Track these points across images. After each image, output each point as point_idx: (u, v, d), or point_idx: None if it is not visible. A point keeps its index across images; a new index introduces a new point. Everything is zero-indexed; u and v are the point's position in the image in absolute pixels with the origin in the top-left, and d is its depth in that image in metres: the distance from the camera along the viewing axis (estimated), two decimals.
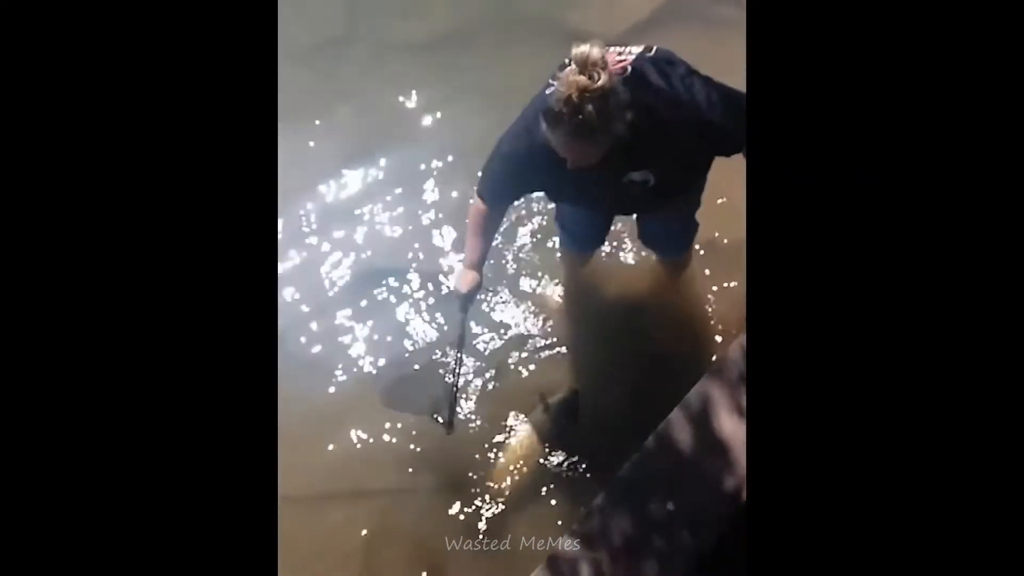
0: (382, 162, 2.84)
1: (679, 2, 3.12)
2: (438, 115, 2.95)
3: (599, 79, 1.45)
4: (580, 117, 1.46)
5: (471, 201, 1.91)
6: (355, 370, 2.42)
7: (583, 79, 1.45)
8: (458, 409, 2.11)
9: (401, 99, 3.00)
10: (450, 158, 2.82)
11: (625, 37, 2.98)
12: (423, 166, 2.81)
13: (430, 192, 2.76)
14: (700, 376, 1.89)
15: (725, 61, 2.67)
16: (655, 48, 1.65)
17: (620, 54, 1.62)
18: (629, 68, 1.58)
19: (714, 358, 2.28)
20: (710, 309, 2.42)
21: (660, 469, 1.75)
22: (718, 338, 2.37)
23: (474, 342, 2.42)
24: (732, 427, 1.78)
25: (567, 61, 1.49)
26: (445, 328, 2.45)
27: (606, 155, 1.57)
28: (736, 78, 2.63)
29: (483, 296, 2.38)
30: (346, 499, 2.23)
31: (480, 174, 1.86)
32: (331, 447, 2.29)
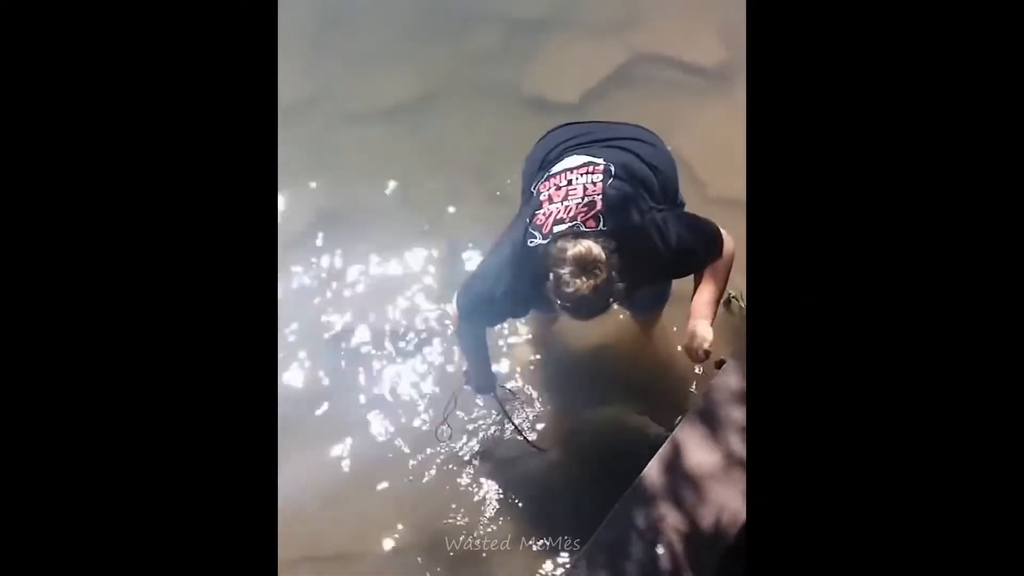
0: (350, 224, 2.87)
1: (631, 68, 3.26)
2: (403, 179, 3.00)
3: (602, 273, 1.62)
4: (586, 303, 1.66)
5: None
6: None
7: (590, 281, 1.62)
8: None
9: (366, 164, 3.05)
10: (419, 221, 2.86)
11: (581, 102, 3.11)
12: (391, 228, 2.85)
13: (395, 254, 2.78)
14: (674, 418, 1.92)
15: (677, 123, 2.80)
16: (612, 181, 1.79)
17: (587, 196, 1.75)
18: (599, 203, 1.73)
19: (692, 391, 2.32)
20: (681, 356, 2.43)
21: (642, 517, 1.75)
22: (693, 387, 2.40)
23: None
24: (709, 463, 1.79)
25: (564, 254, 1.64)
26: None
27: None
28: (688, 139, 2.77)
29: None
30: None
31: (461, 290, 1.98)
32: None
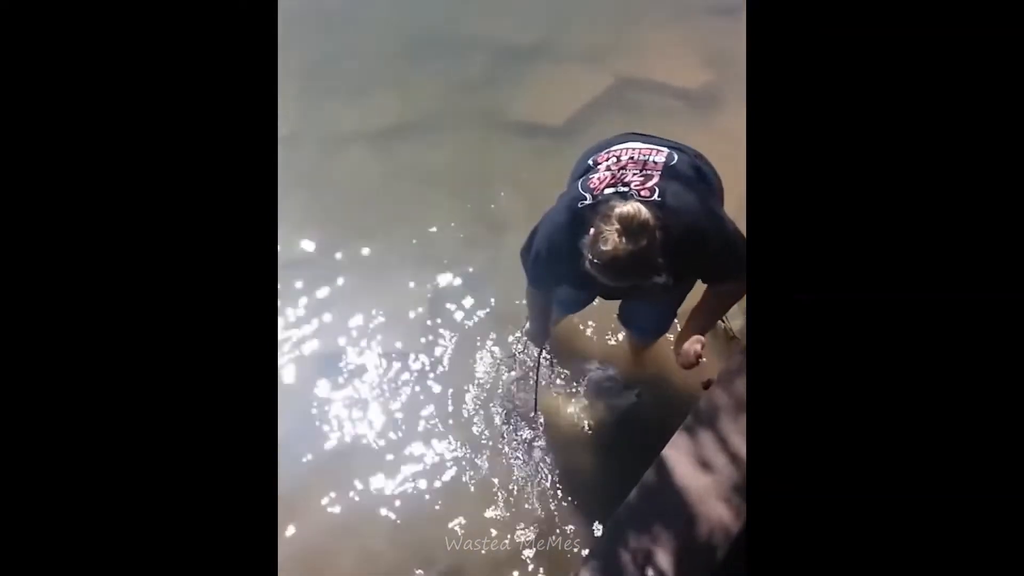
0: (338, 254, 2.89)
1: (616, 93, 3.32)
2: (391, 202, 3.03)
3: (644, 242, 1.54)
4: (622, 272, 1.58)
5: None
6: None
7: (630, 246, 1.53)
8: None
9: (355, 187, 3.08)
10: (407, 244, 2.89)
11: (566, 126, 3.16)
12: (379, 256, 2.87)
13: (382, 281, 2.80)
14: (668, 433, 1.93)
15: None
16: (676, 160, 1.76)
17: (646, 171, 1.71)
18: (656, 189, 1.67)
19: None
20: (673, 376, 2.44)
21: (632, 537, 1.76)
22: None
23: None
24: (698, 481, 1.80)
25: (611, 214, 1.56)
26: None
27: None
28: None
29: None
30: None
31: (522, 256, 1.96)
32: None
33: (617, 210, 1.56)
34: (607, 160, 1.79)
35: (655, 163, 1.74)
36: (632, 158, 1.76)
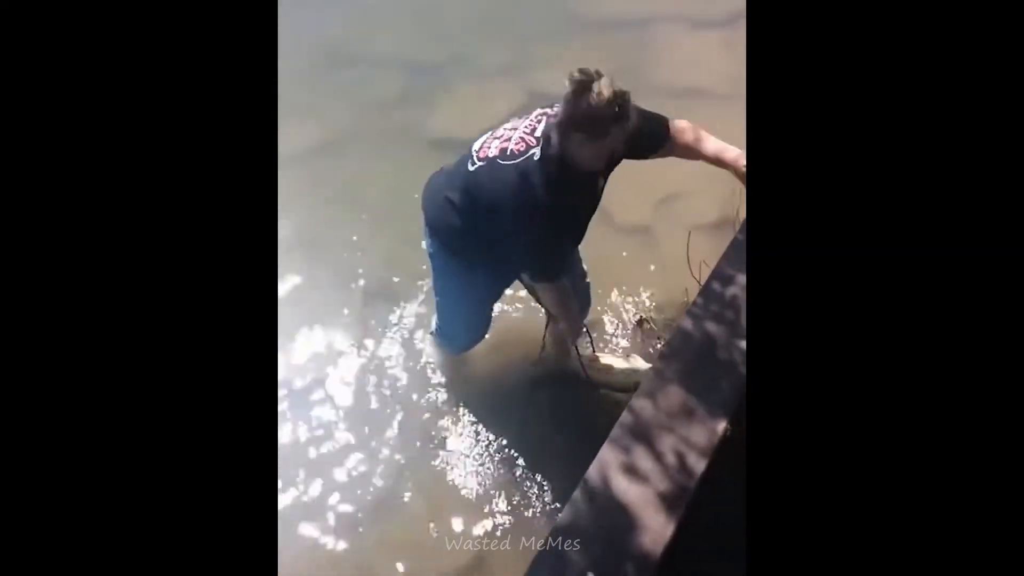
0: None
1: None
2: (311, 223, 3.00)
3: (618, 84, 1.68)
4: (622, 111, 1.69)
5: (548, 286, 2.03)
6: None
7: (616, 88, 1.66)
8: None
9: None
10: (329, 266, 2.85)
11: None
12: (298, 276, 2.83)
13: (306, 300, 2.77)
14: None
15: None
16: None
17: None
18: None
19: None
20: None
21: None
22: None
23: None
24: (632, 488, 1.83)
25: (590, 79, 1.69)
26: None
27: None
28: None
29: None
30: None
31: (540, 263, 1.98)
32: None
33: (600, 85, 1.66)
34: (495, 142, 1.85)
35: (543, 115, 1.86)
36: (515, 127, 1.86)
